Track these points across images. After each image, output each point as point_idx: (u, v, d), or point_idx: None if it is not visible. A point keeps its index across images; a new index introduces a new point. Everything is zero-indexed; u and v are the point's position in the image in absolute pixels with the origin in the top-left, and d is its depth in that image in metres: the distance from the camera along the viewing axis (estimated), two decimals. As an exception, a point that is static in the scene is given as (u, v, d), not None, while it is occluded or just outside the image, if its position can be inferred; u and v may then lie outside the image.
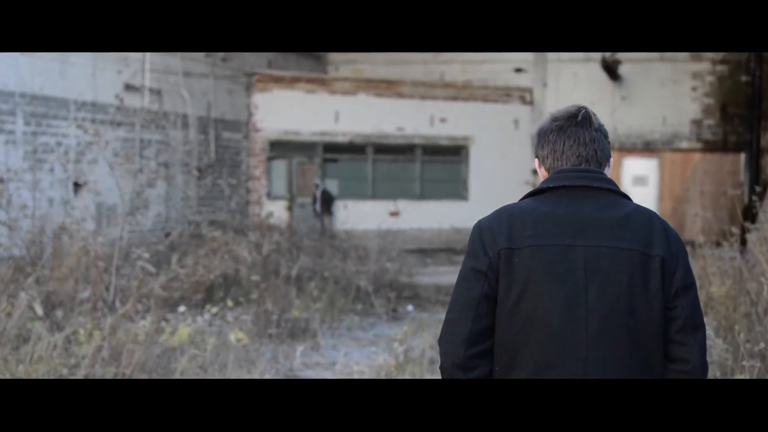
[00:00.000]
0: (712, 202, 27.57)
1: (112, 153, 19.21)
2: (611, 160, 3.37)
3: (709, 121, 27.38)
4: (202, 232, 22.07)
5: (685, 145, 27.43)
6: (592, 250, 3.08)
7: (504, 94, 27.64)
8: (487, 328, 3.15)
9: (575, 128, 3.29)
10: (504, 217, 3.21)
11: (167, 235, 21.10)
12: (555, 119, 3.35)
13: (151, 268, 9.53)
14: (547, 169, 3.36)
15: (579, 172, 3.23)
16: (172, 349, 9.08)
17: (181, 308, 12.54)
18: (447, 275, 19.86)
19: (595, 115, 3.34)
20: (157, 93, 20.81)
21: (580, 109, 3.34)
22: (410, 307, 14.36)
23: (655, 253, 3.10)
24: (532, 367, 3.08)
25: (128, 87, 19.73)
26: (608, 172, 3.34)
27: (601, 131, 3.34)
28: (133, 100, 19.91)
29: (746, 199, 26.91)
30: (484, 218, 3.30)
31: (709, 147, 27.49)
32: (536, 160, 3.45)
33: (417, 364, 9.18)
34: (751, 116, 26.72)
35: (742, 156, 27.38)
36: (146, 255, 9.46)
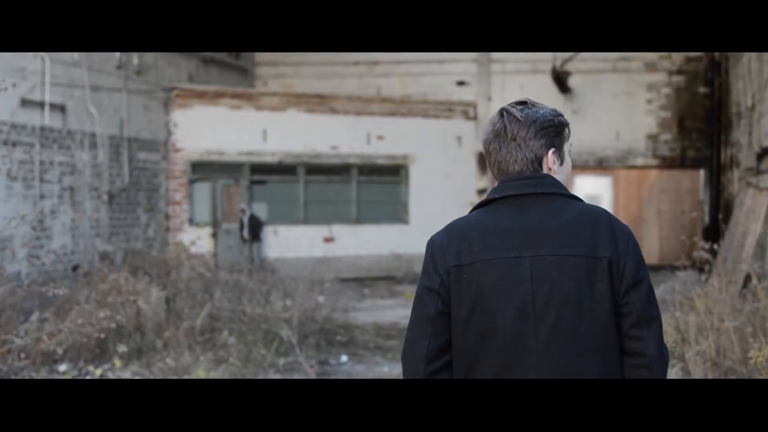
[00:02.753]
0: (670, 222, 25.86)
1: (5, 176, 16.97)
2: (562, 149, 3.36)
3: (666, 136, 25.62)
4: (115, 263, 19.94)
5: (640, 161, 25.62)
6: (537, 260, 3.13)
7: (446, 108, 25.68)
8: (445, 344, 3.22)
9: (501, 140, 3.31)
10: (453, 233, 3.25)
11: (74, 268, 18.86)
12: (487, 131, 3.39)
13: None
14: (495, 176, 3.39)
15: (523, 180, 3.26)
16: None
17: (62, 367, 10.28)
18: (387, 311, 17.71)
19: (514, 118, 3.30)
20: (60, 109, 18.49)
21: (498, 118, 3.34)
22: (344, 358, 12.07)
23: (601, 255, 3.13)
24: (488, 377, 3.14)
25: (25, 102, 17.41)
26: (557, 165, 3.34)
27: (520, 137, 3.29)
28: (31, 117, 17.60)
29: (707, 219, 25.23)
30: (436, 234, 3.33)
31: (666, 163, 25.72)
32: None
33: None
34: (711, 130, 25.10)
35: (702, 173, 25.69)
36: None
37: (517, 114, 3.27)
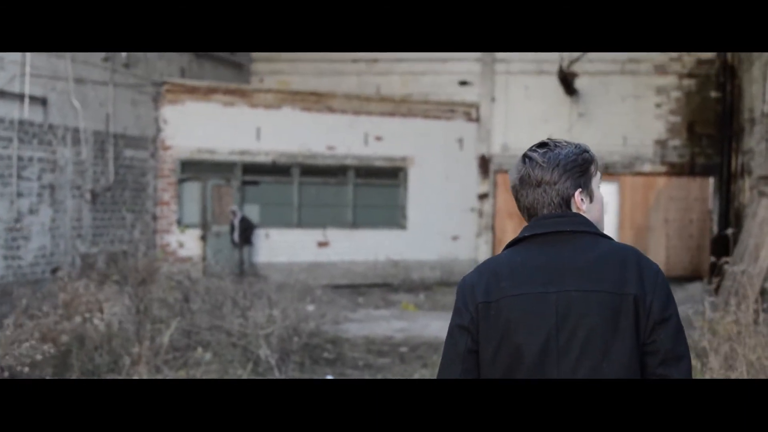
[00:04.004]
0: (677, 231, 24.92)
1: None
2: (590, 187, 3.35)
3: (675, 142, 24.65)
4: (97, 265, 18.99)
5: (647, 168, 24.66)
6: (563, 296, 3.13)
7: (447, 109, 24.75)
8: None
9: (527, 187, 3.34)
10: (484, 271, 3.29)
11: (54, 271, 17.93)
12: (513, 178, 3.41)
13: None
14: (525, 219, 3.41)
15: (553, 218, 3.29)
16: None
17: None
18: (380, 322, 16.73)
19: (538, 164, 3.31)
20: (41, 102, 17.56)
21: (522, 165, 3.36)
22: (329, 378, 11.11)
23: (627, 291, 3.12)
24: None
25: (3, 94, 16.47)
26: (586, 203, 3.34)
27: (545, 182, 3.31)
28: (9, 110, 16.66)
29: (716, 230, 24.29)
30: (468, 274, 3.37)
31: (675, 170, 24.75)
32: None
33: None
34: (722, 136, 24.11)
35: (711, 181, 24.72)
36: None
37: (539, 159, 3.29)
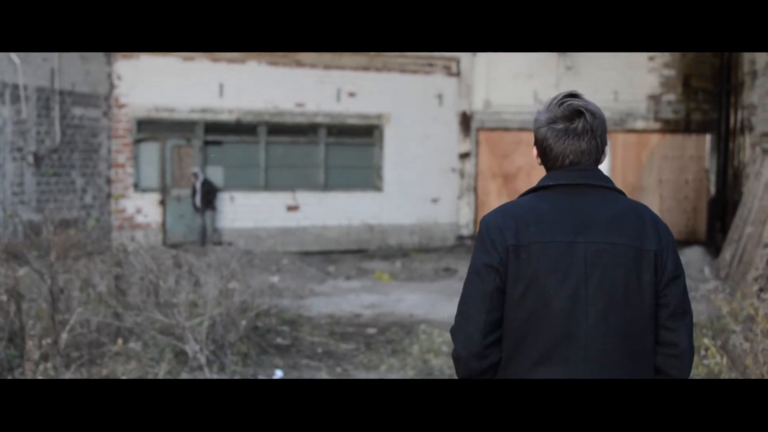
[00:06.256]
0: (672, 192, 23.39)
1: None
2: (607, 147, 3.46)
3: (669, 97, 23.07)
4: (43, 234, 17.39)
5: (640, 124, 23.11)
6: (591, 246, 3.24)
7: (426, 63, 23.06)
8: (498, 320, 3.32)
9: (572, 132, 3.33)
10: (509, 214, 3.35)
11: (-8, 239, 16.30)
12: (551, 120, 3.38)
13: None
14: (545, 164, 3.45)
15: (577, 171, 3.35)
16: None
17: None
18: (349, 296, 15.07)
19: (591, 113, 3.32)
20: (-26, 56, 15.87)
21: (577, 112, 3.33)
22: (278, 373, 9.34)
23: (648, 247, 3.27)
24: (536, 355, 3.25)
25: (-72, 46, 14.77)
26: (604, 158, 3.46)
27: (596, 131, 3.37)
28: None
29: (713, 190, 22.80)
30: (489, 214, 3.43)
31: (669, 127, 23.19)
32: (535, 149, 3.50)
33: None
34: (719, 91, 22.57)
35: (708, 138, 23.15)
36: None
37: (593, 109, 3.36)
